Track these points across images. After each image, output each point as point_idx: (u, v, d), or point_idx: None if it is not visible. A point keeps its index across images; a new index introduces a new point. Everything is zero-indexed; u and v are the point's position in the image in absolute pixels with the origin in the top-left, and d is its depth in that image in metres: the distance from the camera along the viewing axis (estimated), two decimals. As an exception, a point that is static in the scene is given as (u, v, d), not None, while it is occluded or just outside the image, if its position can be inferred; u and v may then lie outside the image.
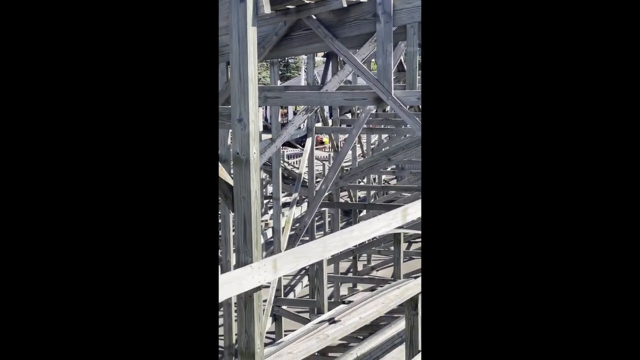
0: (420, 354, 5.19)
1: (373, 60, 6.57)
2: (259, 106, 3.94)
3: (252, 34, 3.50)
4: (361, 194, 14.90)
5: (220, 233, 7.22)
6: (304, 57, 11.56)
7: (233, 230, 6.47)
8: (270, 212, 11.36)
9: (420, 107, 6.89)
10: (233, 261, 6.83)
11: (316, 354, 5.90)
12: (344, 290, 12.06)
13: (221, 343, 8.41)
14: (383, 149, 13.60)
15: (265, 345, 4.09)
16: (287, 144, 16.17)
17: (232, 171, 3.94)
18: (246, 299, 3.66)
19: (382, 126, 13.44)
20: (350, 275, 12.65)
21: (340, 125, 12.90)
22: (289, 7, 4.99)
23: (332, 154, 14.55)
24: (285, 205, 10.30)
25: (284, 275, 7.00)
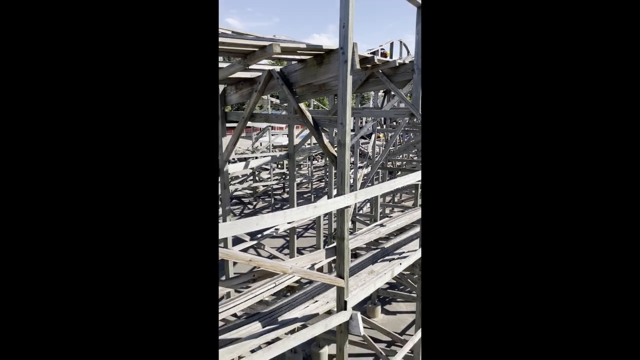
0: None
1: (409, 93, 6.33)
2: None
3: (349, 80, 3.44)
4: (399, 163, 14.53)
5: (327, 179, 7.30)
6: (372, 92, 11.26)
7: (335, 178, 6.55)
8: (352, 170, 11.39)
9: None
10: (334, 193, 6.95)
11: (372, 240, 5.96)
12: (387, 210, 11.95)
13: (326, 231, 8.64)
14: (411, 141, 13.20)
15: (349, 234, 4.07)
16: (362, 137, 16.03)
17: (335, 148, 3.90)
18: (341, 211, 3.69)
19: (412, 129, 12.98)
20: (391, 203, 12.50)
21: (389, 128, 12.59)
22: (368, 66, 4.88)
23: (384, 142, 14.17)
24: (360, 167, 10.26)
25: (358, 201, 7.05)
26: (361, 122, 13.47)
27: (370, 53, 6.56)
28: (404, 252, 5.48)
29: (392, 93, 6.95)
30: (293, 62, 4.45)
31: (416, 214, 6.84)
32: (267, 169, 15.69)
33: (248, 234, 6.24)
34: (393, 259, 5.24)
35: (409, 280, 6.57)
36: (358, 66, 3.55)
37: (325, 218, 8.81)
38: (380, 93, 9.38)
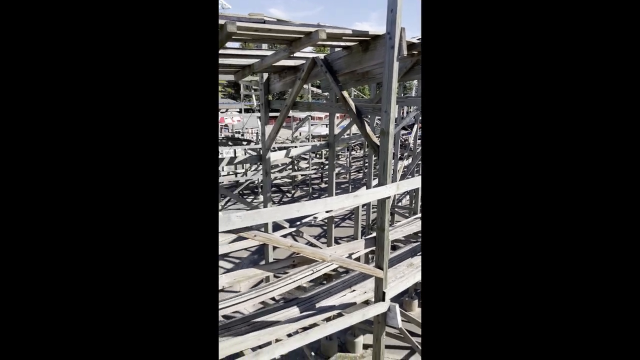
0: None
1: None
2: (394, 105, 3.79)
3: (395, 66, 3.33)
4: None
5: (366, 169, 7.21)
6: (415, 82, 10.90)
7: (374, 169, 6.47)
8: (392, 161, 11.21)
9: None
10: (373, 184, 6.88)
11: (412, 233, 5.82)
12: (427, 204, 11.68)
13: (363, 222, 8.58)
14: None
15: (388, 225, 4.01)
16: (403, 128, 15.66)
17: (377, 137, 3.83)
18: (382, 202, 3.63)
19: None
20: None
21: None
22: (414, 52, 4.69)
23: (426, 133, 13.69)
24: (400, 158, 10.06)
25: (399, 192, 6.92)
26: (403, 113, 13.13)
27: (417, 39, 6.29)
28: (445, 247, 5.32)
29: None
30: (337, 50, 4.38)
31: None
32: (305, 159, 15.85)
33: (287, 221, 6.33)
34: (433, 253, 5.10)
35: (448, 275, 6.38)
36: (405, 52, 3.42)
37: (363, 209, 8.73)
38: (425, 82, 9.04)
